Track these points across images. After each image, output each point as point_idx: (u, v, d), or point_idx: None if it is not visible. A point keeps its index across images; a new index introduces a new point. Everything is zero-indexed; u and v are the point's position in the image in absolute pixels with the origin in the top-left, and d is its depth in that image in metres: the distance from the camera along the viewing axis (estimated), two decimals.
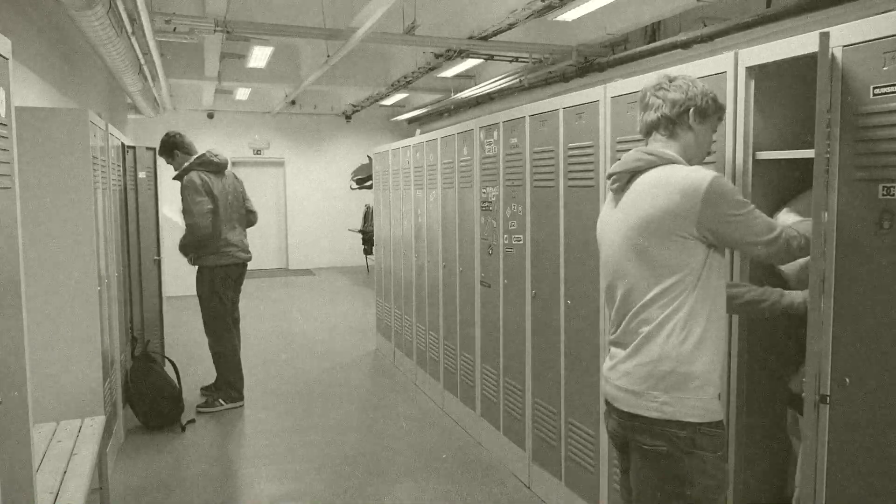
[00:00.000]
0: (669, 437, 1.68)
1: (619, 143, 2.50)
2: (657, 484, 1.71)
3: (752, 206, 1.70)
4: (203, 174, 4.43)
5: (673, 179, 1.69)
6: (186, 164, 4.48)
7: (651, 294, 1.70)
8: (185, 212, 4.38)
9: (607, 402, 1.85)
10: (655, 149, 1.78)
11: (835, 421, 1.74)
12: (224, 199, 4.52)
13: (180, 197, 4.43)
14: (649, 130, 1.84)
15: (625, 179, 1.80)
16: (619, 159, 1.84)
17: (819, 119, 1.62)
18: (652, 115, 1.81)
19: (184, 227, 4.47)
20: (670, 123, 1.79)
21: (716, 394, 1.72)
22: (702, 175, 1.66)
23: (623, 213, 1.78)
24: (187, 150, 4.60)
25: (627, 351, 1.76)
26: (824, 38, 1.62)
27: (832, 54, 1.64)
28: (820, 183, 1.64)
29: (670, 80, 1.81)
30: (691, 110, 1.78)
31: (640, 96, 1.86)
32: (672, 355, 1.68)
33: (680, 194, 1.66)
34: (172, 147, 4.61)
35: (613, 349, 1.83)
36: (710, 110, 1.80)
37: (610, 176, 1.85)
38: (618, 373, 1.78)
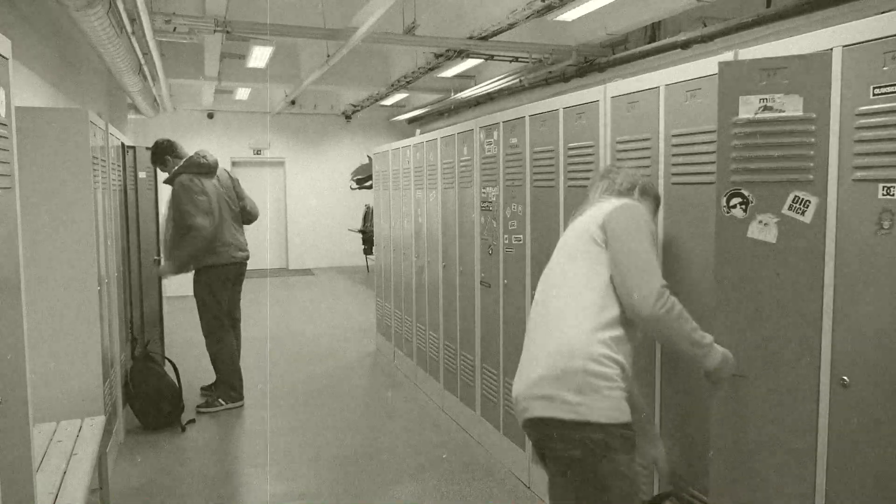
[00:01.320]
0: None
1: (619, 143, 2.50)
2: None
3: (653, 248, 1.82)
4: (193, 177, 4.40)
5: None
6: (176, 168, 4.46)
7: None
8: (186, 213, 4.35)
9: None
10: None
11: (834, 420, 1.74)
12: (217, 199, 4.50)
13: (171, 203, 4.41)
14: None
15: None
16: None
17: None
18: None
19: (166, 234, 4.46)
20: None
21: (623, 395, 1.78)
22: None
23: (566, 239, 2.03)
24: (178, 154, 4.55)
25: None
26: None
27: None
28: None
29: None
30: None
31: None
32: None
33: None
34: (164, 153, 4.56)
35: None
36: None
37: None
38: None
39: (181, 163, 4.48)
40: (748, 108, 1.82)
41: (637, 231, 1.81)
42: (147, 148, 4.78)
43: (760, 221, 1.83)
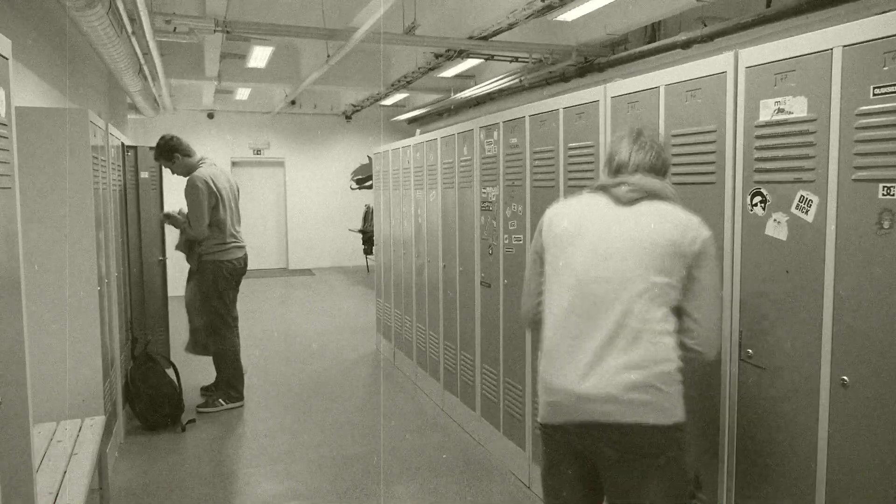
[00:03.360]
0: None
1: None
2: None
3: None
4: (208, 177, 4.41)
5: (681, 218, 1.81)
6: (190, 163, 4.47)
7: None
8: (190, 213, 4.39)
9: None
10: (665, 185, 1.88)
11: (834, 420, 1.74)
12: (228, 195, 4.52)
13: (187, 198, 4.42)
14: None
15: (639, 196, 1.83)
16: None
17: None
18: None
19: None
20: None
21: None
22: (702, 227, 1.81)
23: (633, 229, 1.79)
24: (187, 151, 4.52)
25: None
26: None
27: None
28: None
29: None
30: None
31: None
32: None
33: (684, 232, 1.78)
34: (172, 150, 4.49)
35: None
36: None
37: (621, 185, 1.85)
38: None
39: (193, 158, 4.48)
40: (766, 111, 1.90)
41: (718, 268, 1.84)
42: (150, 148, 4.76)
43: (775, 220, 1.88)
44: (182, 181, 4.48)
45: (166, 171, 4.76)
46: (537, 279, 1.95)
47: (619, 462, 1.72)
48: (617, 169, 1.89)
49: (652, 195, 1.82)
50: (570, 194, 2.87)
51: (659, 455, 1.70)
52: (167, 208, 4.88)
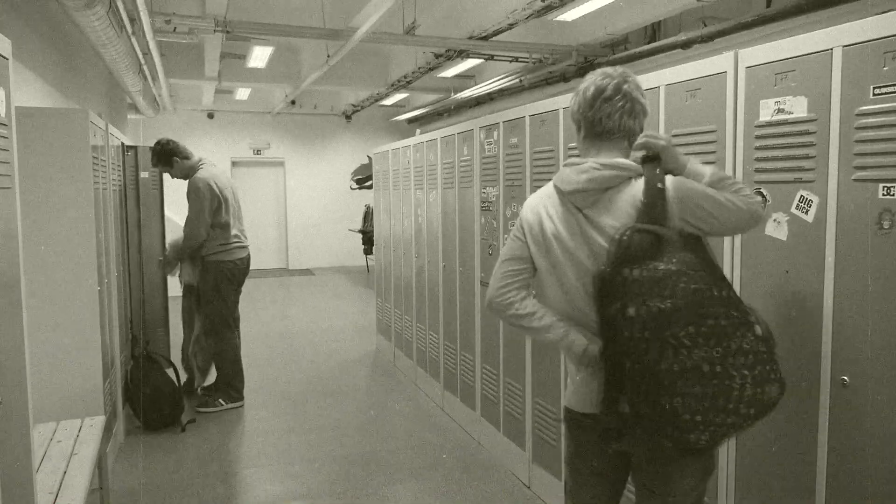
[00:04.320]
0: None
1: None
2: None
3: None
4: (211, 180, 4.39)
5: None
6: (194, 164, 4.45)
7: None
8: (190, 215, 4.37)
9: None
10: (623, 161, 1.68)
11: (835, 420, 1.74)
12: (231, 195, 4.52)
13: (189, 201, 4.39)
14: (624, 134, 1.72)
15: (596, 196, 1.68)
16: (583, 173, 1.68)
17: None
18: (631, 122, 1.72)
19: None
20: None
21: None
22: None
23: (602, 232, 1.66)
24: (185, 153, 4.48)
25: None
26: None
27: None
28: None
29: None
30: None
31: (618, 88, 1.70)
32: None
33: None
34: (170, 155, 4.44)
35: None
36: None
37: (574, 192, 1.69)
38: None
39: (193, 160, 4.46)
40: (766, 111, 1.90)
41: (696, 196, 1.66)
42: (150, 148, 4.74)
43: (775, 220, 1.88)
44: (183, 182, 4.48)
45: (166, 175, 4.74)
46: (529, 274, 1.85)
47: (657, 449, 1.66)
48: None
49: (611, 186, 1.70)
50: None
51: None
52: (167, 211, 4.84)
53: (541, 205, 1.79)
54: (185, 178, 4.48)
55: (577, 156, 1.77)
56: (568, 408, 1.84)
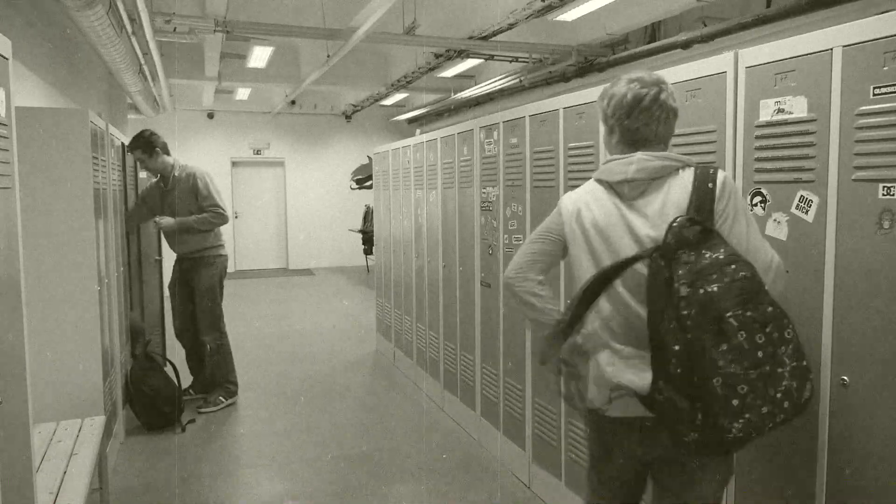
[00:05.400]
0: None
1: None
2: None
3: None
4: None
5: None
6: (171, 163, 4.50)
7: None
8: (214, 197, 4.47)
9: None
10: (672, 153, 1.73)
11: (835, 421, 1.74)
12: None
13: (201, 185, 4.43)
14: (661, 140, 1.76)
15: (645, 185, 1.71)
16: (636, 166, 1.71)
17: None
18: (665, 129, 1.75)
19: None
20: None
21: None
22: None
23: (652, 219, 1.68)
24: (166, 150, 4.51)
25: None
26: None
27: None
28: None
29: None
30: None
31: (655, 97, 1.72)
32: None
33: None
34: (153, 145, 4.41)
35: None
36: None
37: (622, 182, 1.72)
38: None
39: (170, 160, 4.49)
40: (766, 111, 1.90)
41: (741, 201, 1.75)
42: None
43: (775, 219, 1.89)
44: None
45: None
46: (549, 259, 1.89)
47: (680, 454, 1.66)
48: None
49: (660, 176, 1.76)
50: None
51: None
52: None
53: (581, 200, 1.81)
54: (155, 173, 4.54)
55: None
56: (593, 409, 1.77)
